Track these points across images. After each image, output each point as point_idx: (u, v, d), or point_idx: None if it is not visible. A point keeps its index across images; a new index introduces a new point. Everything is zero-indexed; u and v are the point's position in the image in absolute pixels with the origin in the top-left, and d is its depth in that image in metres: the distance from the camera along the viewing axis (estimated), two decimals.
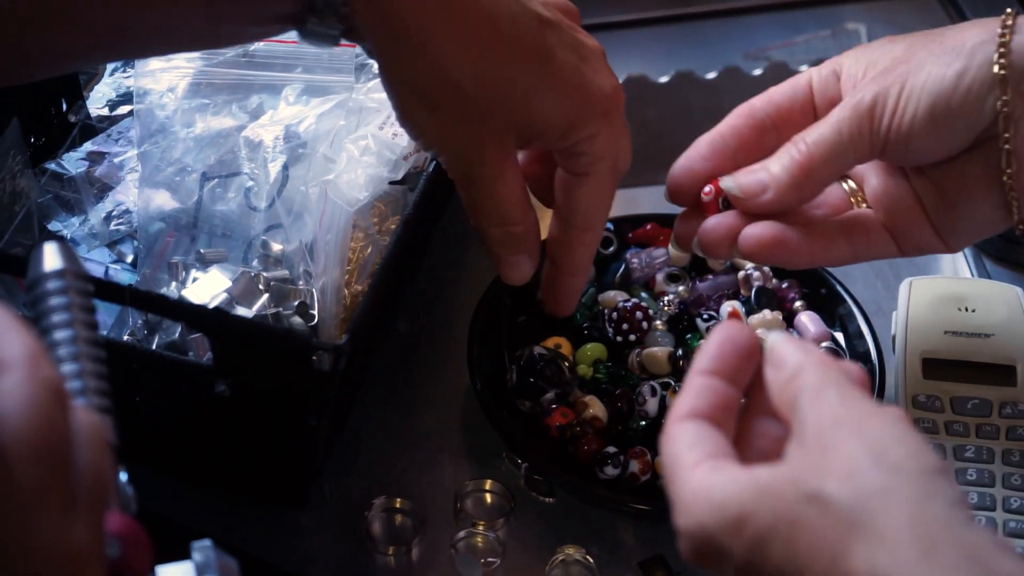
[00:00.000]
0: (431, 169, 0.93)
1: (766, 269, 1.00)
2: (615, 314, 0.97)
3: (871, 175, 0.90)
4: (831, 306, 0.99)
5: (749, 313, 0.98)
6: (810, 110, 0.90)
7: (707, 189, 0.89)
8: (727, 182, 0.88)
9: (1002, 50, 0.82)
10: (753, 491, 0.63)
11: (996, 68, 0.82)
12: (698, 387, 0.69)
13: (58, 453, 0.54)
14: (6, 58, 0.81)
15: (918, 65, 0.84)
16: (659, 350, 0.97)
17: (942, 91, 0.83)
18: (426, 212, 0.97)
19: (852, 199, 0.91)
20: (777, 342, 0.68)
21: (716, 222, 0.88)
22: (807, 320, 0.98)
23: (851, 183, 0.91)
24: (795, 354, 0.67)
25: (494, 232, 0.88)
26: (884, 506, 0.60)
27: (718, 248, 0.89)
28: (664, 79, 1.23)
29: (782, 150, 0.87)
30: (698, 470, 0.65)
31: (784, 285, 1.00)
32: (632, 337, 0.97)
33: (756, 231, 0.87)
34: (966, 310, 0.98)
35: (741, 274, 1.01)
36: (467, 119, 0.83)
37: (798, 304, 1.00)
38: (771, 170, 0.87)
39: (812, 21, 1.31)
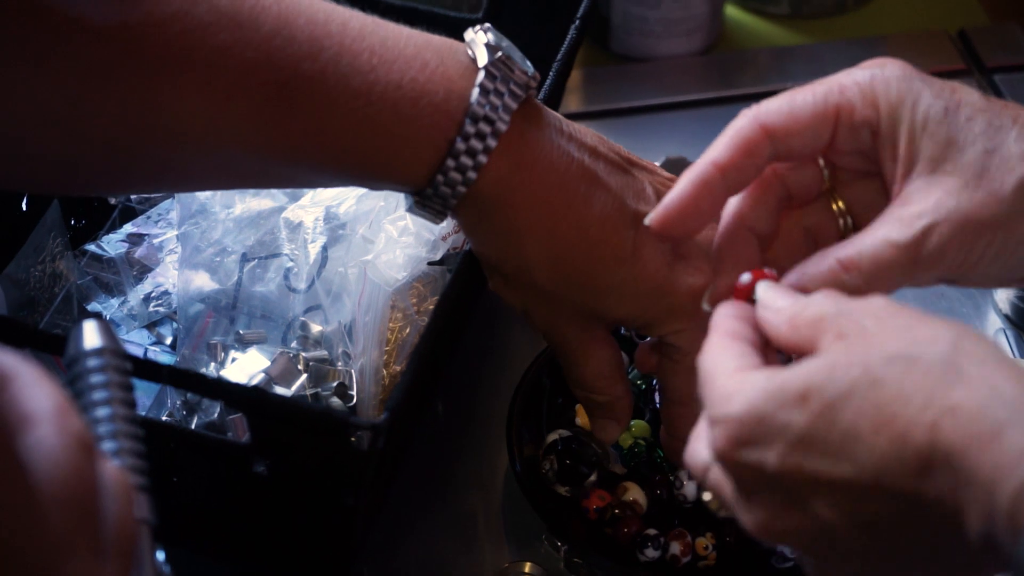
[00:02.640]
0: (468, 249, 0.92)
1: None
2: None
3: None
4: None
5: None
6: (825, 134, 0.78)
7: (746, 279, 0.76)
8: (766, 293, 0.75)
9: None
10: (821, 366, 0.64)
11: None
12: (733, 321, 0.71)
13: (86, 502, 0.55)
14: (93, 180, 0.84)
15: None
16: None
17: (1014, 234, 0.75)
18: (464, 292, 0.97)
19: (840, 220, 0.81)
20: (767, 288, 0.72)
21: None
22: None
23: (839, 203, 0.81)
24: (791, 294, 0.71)
25: (582, 396, 0.91)
26: (973, 360, 0.62)
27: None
28: None
29: (829, 272, 0.75)
30: (739, 374, 0.67)
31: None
32: None
33: None
34: None
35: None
36: (549, 304, 0.85)
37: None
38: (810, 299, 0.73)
39: None
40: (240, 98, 0.78)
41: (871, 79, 0.77)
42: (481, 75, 0.81)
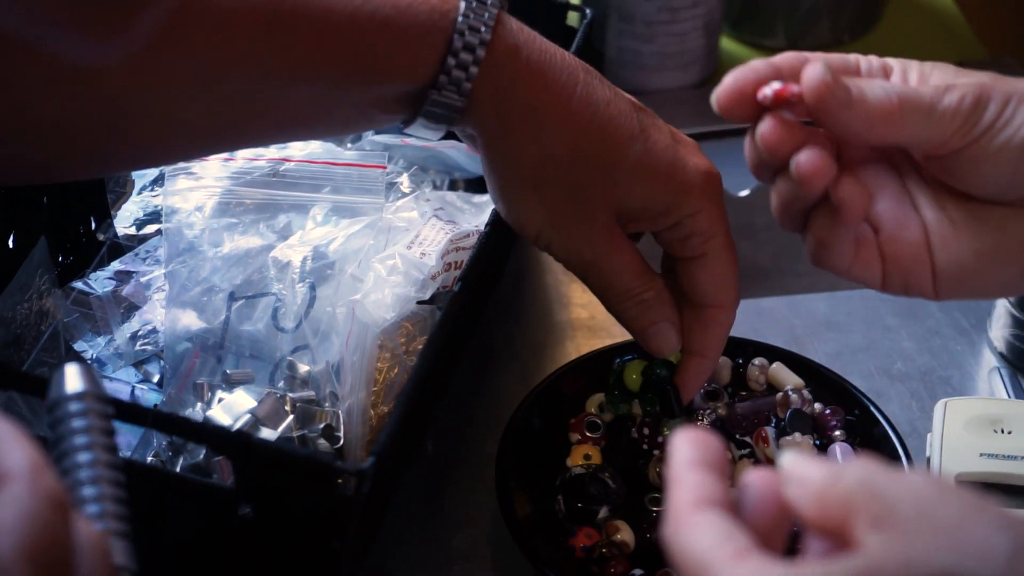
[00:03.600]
0: (458, 289, 0.92)
1: (806, 392, 0.98)
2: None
3: (882, 196, 0.81)
4: (865, 428, 0.98)
5: (780, 435, 0.97)
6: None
7: (769, 90, 0.77)
8: (814, 70, 0.76)
9: None
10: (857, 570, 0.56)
11: None
12: (700, 478, 0.61)
13: (59, 562, 0.55)
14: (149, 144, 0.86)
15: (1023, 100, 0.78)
16: None
17: None
18: (455, 332, 0.96)
19: None
20: (794, 460, 0.61)
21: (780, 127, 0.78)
22: (839, 453, 0.95)
23: None
24: (820, 466, 0.60)
25: (627, 307, 0.91)
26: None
27: (782, 146, 0.77)
28: None
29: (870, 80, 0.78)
30: (747, 563, 0.57)
31: (827, 411, 0.98)
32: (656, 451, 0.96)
33: (816, 154, 0.77)
34: (1002, 432, 0.96)
35: (779, 395, 0.99)
36: (569, 196, 0.87)
37: (838, 433, 0.97)
38: (860, 86, 0.77)
39: None
40: (236, 23, 0.81)
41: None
42: None
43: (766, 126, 0.77)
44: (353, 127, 0.96)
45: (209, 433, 0.82)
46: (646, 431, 0.96)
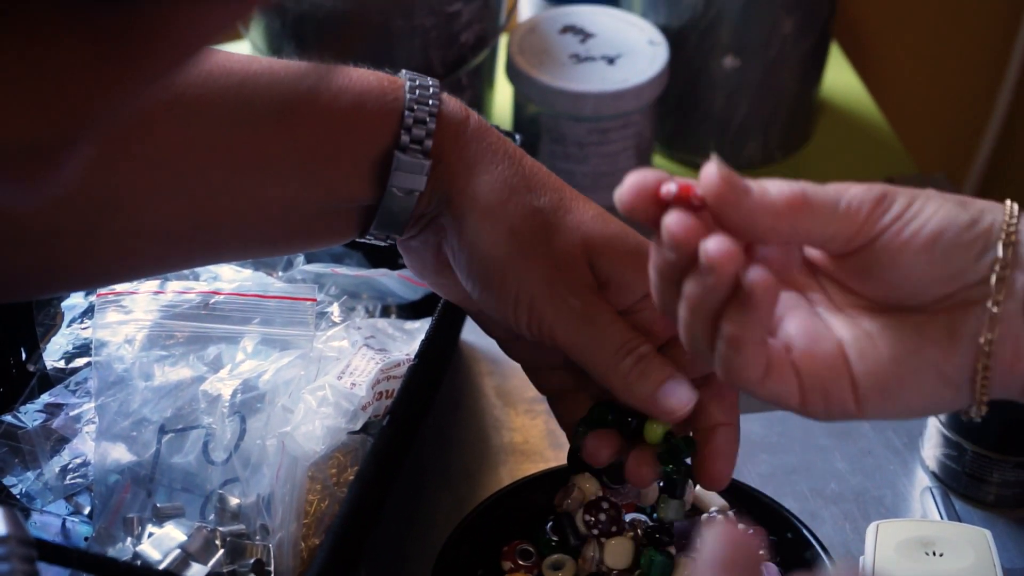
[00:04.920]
0: (386, 423, 0.92)
1: (731, 514, 0.99)
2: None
3: (792, 317, 0.79)
4: (798, 550, 0.98)
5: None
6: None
7: (673, 185, 0.75)
8: (710, 166, 0.75)
9: (1011, 220, 0.78)
10: None
11: (1004, 235, 0.77)
12: None
13: None
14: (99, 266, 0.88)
15: (929, 197, 0.78)
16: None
17: (954, 223, 0.77)
18: (384, 462, 0.96)
19: None
20: None
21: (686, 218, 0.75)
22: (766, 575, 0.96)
23: None
24: None
25: (626, 365, 0.87)
26: None
27: (689, 236, 0.74)
28: None
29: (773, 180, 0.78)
30: None
31: (750, 532, 0.98)
32: (596, 531, 0.94)
33: (725, 239, 0.74)
34: (934, 554, 0.96)
35: (704, 516, 0.99)
36: (544, 242, 0.88)
37: (761, 553, 0.97)
38: (760, 184, 0.77)
39: None
40: (202, 112, 0.85)
41: None
42: (403, 71, 0.92)
43: (672, 217, 0.74)
44: (315, 232, 0.93)
45: (136, 574, 0.81)
46: (602, 516, 0.94)
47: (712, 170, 0.75)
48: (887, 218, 0.77)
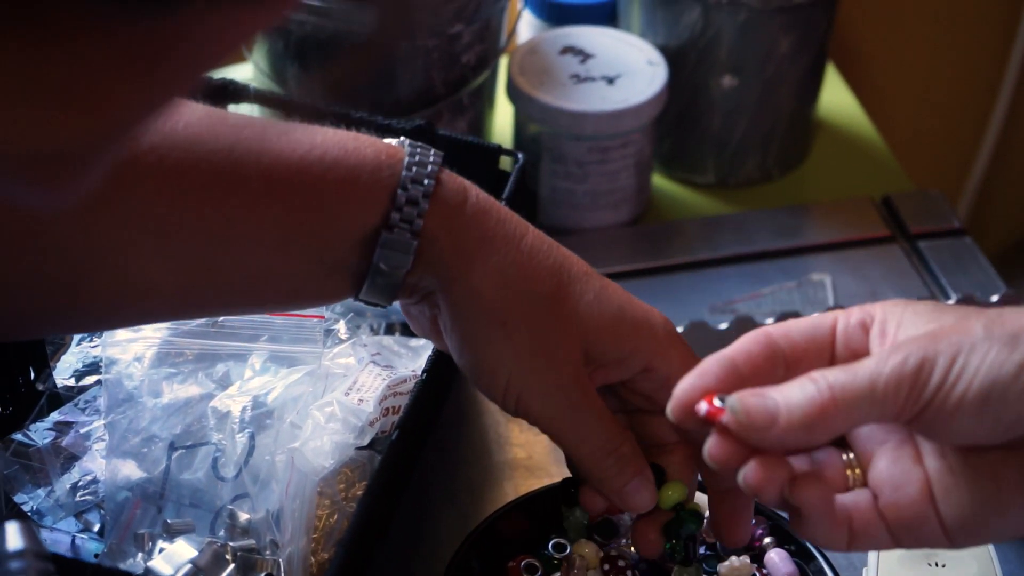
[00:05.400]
0: (395, 437, 0.93)
1: None
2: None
3: (881, 455, 0.80)
4: (801, 563, 0.98)
5: (718, 561, 0.97)
6: (828, 355, 0.81)
7: (703, 408, 0.78)
8: (732, 401, 0.76)
9: None
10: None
11: None
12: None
13: None
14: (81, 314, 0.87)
15: (975, 342, 0.75)
16: None
17: (1001, 377, 0.74)
18: (392, 477, 0.97)
19: (848, 471, 0.81)
20: None
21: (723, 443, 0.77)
22: (777, 559, 0.96)
23: (850, 454, 0.82)
24: None
25: (606, 465, 0.88)
26: None
27: (728, 462, 0.77)
28: None
29: (799, 381, 0.76)
30: None
31: (759, 532, 0.99)
32: None
33: (760, 467, 0.77)
34: (937, 565, 0.97)
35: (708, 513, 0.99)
36: (536, 334, 0.87)
37: (767, 540, 0.98)
38: (786, 399, 0.76)
39: (777, 272, 1.32)
40: (188, 176, 0.83)
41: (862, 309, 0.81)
42: (405, 141, 0.89)
43: (711, 443, 0.77)
44: (304, 295, 0.92)
45: None
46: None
47: (728, 417, 0.76)
48: (929, 390, 0.75)
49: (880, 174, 1.47)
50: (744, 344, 0.81)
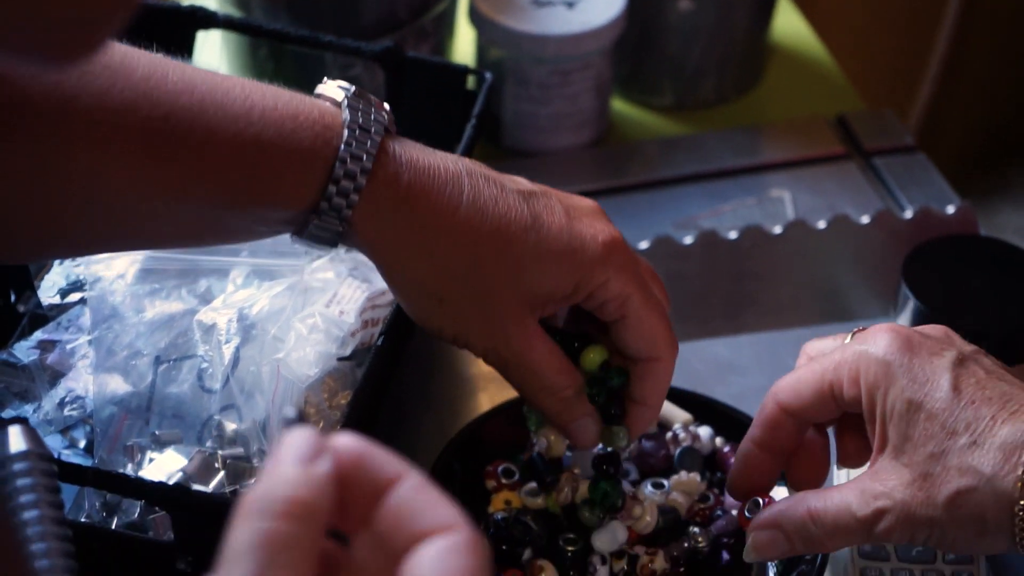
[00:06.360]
0: (380, 343, 0.95)
1: (693, 429, 1.02)
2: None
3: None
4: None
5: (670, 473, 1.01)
6: (832, 407, 0.90)
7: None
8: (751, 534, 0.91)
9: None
10: None
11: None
12: None
13: None
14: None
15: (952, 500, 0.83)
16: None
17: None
18: (375, 386, 0.99)
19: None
20: None
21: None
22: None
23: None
24: None
25: (549, 404, 0.93)
26: None
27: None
28: None
29: (800, 520, 0.88)
30: None
31: (726, 449, 1.02)
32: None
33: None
34: None
35: (669, 434, 1.02)
36: (475, 302, 0.89)
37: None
38: (785, 531, 0.88)
39: (738, 189, 1.34)
40: (119, 140, 0.82)
41: (857, 358, 0.87)
42: (346, 97, 0.88)
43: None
44: (242, 238, 0.95)
45: (148, 488, 0.84)
46: None
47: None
48: (921, 535, 0.84)
49: (832, 94, 1.49)
50: (761, 431, 0.92)
